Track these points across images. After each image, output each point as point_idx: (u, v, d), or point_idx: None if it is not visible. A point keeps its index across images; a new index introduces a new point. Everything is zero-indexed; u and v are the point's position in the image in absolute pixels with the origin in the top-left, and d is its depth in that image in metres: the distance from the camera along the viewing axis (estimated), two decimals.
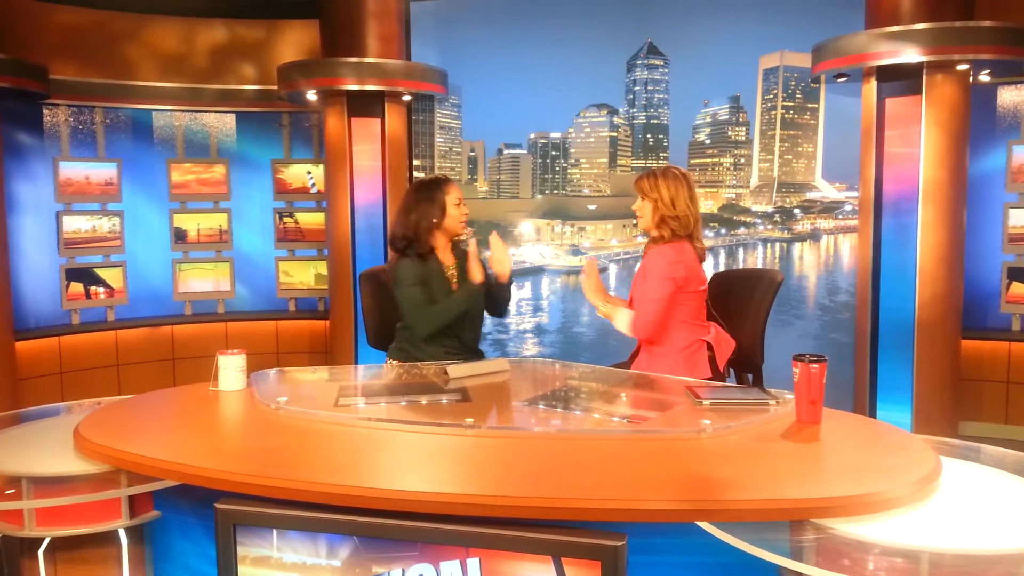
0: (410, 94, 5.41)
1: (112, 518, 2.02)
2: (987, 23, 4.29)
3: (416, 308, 3.08)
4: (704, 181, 6.45)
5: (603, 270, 3.15)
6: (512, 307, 3.43)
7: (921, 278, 4.50)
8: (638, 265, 3.18)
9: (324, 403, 2.38)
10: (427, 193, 3.17)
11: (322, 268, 6.00)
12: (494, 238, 3.16)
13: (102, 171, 5.64)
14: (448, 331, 3.17)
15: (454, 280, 3.21)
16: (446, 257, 3.23)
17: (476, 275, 3.12)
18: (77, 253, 5.54)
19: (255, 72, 5.97)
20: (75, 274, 5.54)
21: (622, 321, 2.96)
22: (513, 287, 3.33)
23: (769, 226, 6.35)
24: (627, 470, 1.81)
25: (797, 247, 6.32)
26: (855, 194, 5.23)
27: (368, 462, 1.89)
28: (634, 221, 3.12)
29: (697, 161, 6.50)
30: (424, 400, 2.52)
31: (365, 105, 5.34)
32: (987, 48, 4.26)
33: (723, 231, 6.41)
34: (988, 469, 1.96)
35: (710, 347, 2.96)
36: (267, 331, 6.02)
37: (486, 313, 3.35)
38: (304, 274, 6.08)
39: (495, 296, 3.25)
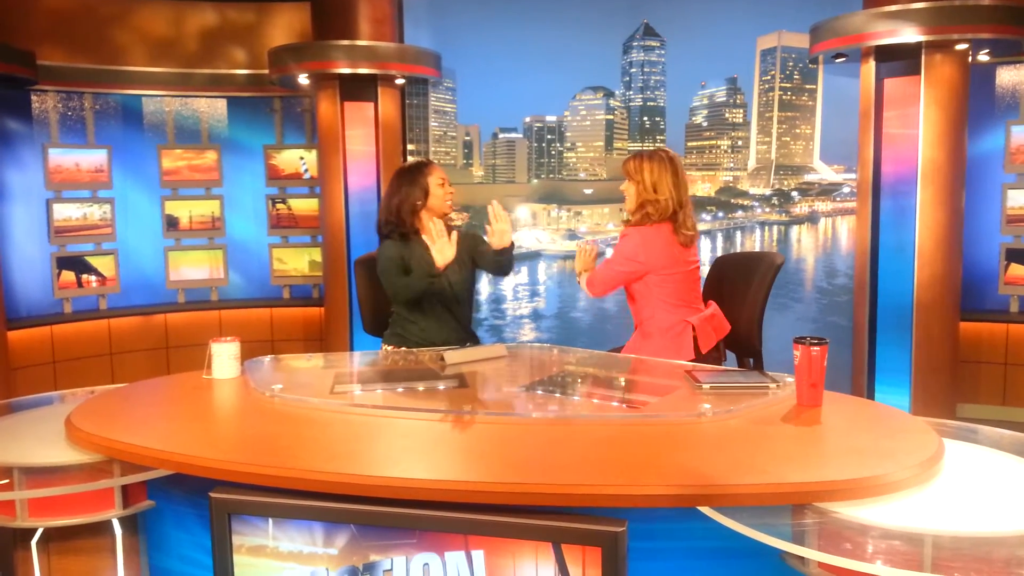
0: (403, 77, 5.36)
1: (106, 508, 2.00)
2: (986, 1, 4.24)
3: (388, 278, 3.12)
4: (701, 164, 6.41)
5: (600, 255, 3.15)
6: (513, 269, 3.31)
7: (919, 260, 4.49)
8: None
9: (319, 390, 2.35)
10: (409, 177, 3.18)
11: (316, 255, 5.96)
12: (495, 206, 3.04)
13: (92, 158, 5.58)
14: (443, 311, 3.16)
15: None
16: (443, 248, 3.19)
17: (440, 257, 2.99)
18: (68, 241, 5.49)
19: (246, 56, 5.90)
20: (66, 262, 5.49)
21: (581, 275, 3.15)
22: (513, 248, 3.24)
23: (767, 209, 6.31)
24: (627, 455, 1.79)
25: (795, 230, 6.29)
26: (853, 176, 5.20)
27: (364, 449, 1.87)
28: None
29: (694, 144, 6.44)
30: (421, 386, 2.50)
31: (358, 89, 5.28)
32: (986, 27, 4.23)
33: (720, 214, 6.37)
34: (988, 450, 1.95)
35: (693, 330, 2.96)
36: (261, 319, 5.99)
37: (491, 275, 3.39)
38: (298, 261, 6.04)
39: (499, 259, 3.16)
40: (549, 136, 6.62)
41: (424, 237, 3.17)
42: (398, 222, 3.15)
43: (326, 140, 5.40)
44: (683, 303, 2.96)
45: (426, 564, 1.62)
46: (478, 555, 1.60)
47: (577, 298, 6.54)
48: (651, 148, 3.05)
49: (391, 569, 1.64)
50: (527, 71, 6.22)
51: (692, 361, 2.90)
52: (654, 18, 6.26)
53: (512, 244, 3.12)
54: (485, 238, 3.11)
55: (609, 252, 3.19)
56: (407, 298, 3.11)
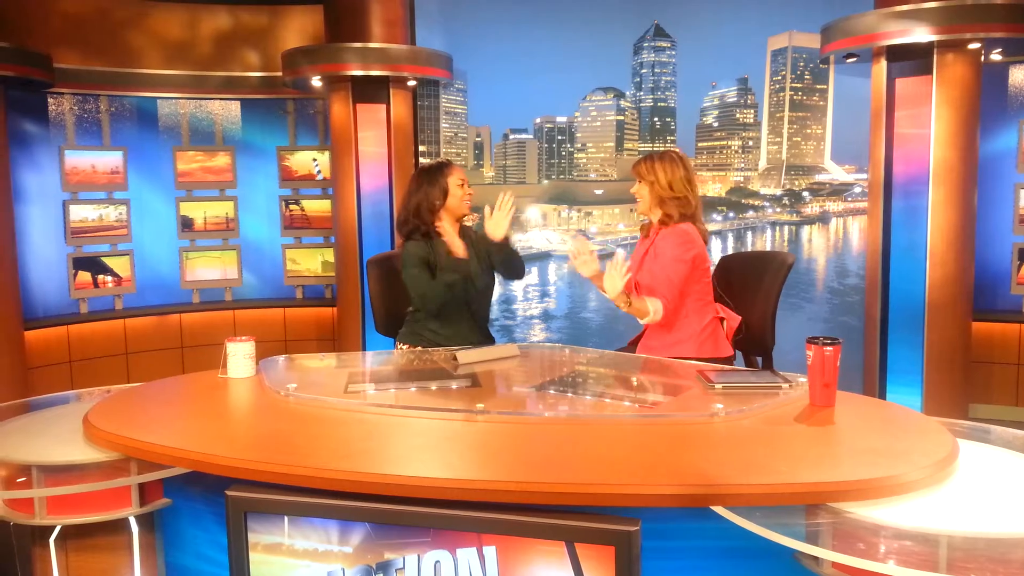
0: (415, 79, 5.38)
1: (122, 506, 2.02)
2: (999, 0, 4.22)
3: (417, 287, 3.10)
4: (712, 164, 6.38)
5: (609, 255, 3.12)
6: (524, 270, 3.30)
7: (931, 260, 4.47)
8: (635, 247, 3.17)
9: (333, 390, 2.37)
10: (428, 177, 3.19)
11: (329, 255, 5.99)
12: (505, 197, 3.04)
13: (108, 160, 5.63)
14: (463, 309, 3.17)
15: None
16: (454, 241, 3.21)
17: (456, 250, 3.09)
18: (84, 242, 5.55)
19: (259, 59, 5.94)
20: (83, 263, 5.54)
21: (652, 309, 2.80)
22: (513, 246, 3.21)
23: (778, 209, 6.29)
24: (640, 455, 1.80)
25: (806, 230, 6.27)
26: (864, 176, 5.19)
27: (379, 448, 1.88)
28: None
29: (705, 144, 6.43)
30: (434, 386, 2.51)
31: (370, 91, 5.31)
32: (999, 26, 4.20)
33: (731, 215, 6.35)
34: (1002, 450, 1.94)
35: (723, 322, 2.97)
36: (275, 319, 6.03)
37: (503, 279, 3.31)
38: (311, 261, 6.07)
39: (499, 259, 3.19)
40: (560, 137, 6.63)
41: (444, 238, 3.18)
42: (417, 221, 3.16)
43: (339, 142, 5.42)
44: (710, 301, 2.97)
45: (437, 562, 1.63)
46: (490, 551, 1.61)
47: (588, 298, 6.54)
48: (658, 150, 3.04)
49: (403, 568, 1.65)
50: (538, 72, 6.23)
51: (731, 356, 2.92)
52: (664, 19, 6.26)
53: (507, 239, 3.11)
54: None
55: (620, 252, 3.17)
56: (438, 298, 3.09)
